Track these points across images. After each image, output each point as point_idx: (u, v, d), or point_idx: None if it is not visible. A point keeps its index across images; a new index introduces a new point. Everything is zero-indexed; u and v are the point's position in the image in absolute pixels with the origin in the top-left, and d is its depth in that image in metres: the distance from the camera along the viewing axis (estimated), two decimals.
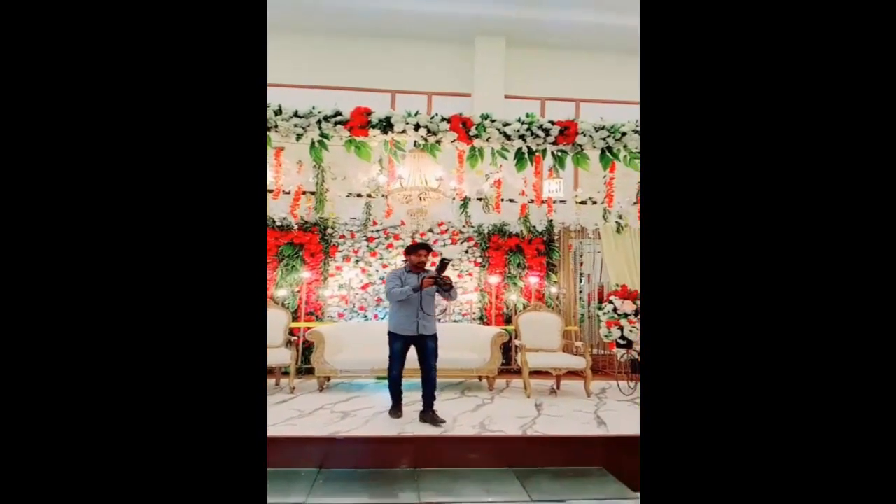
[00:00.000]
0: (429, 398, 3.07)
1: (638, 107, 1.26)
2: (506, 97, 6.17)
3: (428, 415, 3.03)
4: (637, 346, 4.19)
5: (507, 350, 5.08)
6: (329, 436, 2.74)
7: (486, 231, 5.57)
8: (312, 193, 4.72)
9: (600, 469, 2.67)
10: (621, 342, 4.07)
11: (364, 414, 3.26)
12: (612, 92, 6.14)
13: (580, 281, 6.14)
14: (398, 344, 3.13)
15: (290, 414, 3.23)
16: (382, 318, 5.36)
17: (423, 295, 3.08)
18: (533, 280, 5.38)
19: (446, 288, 3.00)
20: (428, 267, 3.27)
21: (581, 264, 6.22)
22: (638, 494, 2.31)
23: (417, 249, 3.19)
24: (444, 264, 3.00)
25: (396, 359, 3.14)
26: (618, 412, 3.48)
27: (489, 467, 2.65)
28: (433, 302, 3.17)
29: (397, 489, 2.36)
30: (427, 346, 3.11)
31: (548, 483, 2.47)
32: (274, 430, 2.79)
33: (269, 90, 4.29)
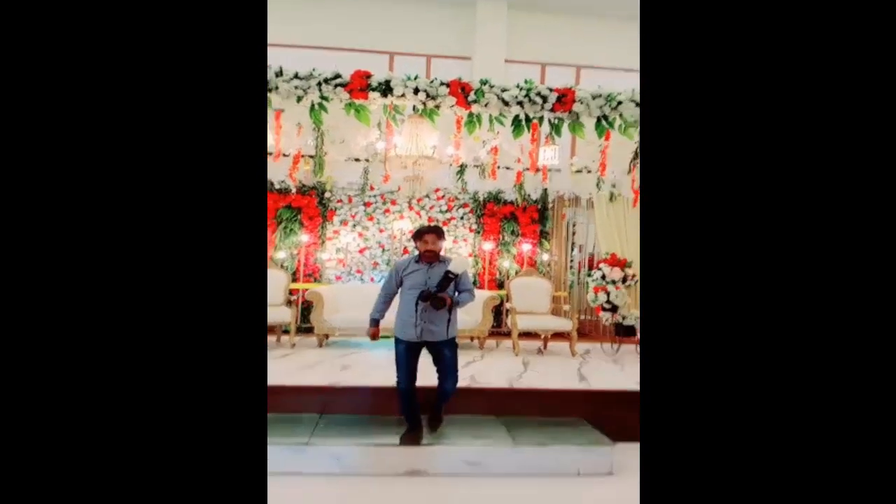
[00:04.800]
0: (437, 410, 2.62)
1: (637, 75, 1.28)
2: (506, 61, 6.12)
3: (434, 423, 2.63)
4: (622, 311, 4.39)
5: (499, 314, 5.27)
6: (329, 385, 2.93)
7: (481, 198, 5.66)
8: (311, 157, 4.76)
9: (580, 420, 2.89)
10: (607, 306, 4.26)
11: (362, 368, 3.45)
12: (612, 58, 6.09)
13: (572, 250, 6.29)
14: (401, 347, 2.49)
15: (291, 366, 3.41)
16: (378, 281, 5.51)
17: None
18: (526, 247, 5.52)
19: (438, 306, 2.37)
20: (442, 256, 2.54)
21: (574, 234, 6.35)
22: (613, 442, 2.53)
23: (423, 234, 2.47)
24: (448, 279, 2.38)
25: (402, 366, 2.48)
26: (600, 371, 3.69)
27: (477, 415, 2.86)
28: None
29: (394, 432, 2.56)
30: (443, 354, 2.50)
31: (531, 431, 2.69)
32: (276, 380, 2.97)
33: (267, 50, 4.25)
